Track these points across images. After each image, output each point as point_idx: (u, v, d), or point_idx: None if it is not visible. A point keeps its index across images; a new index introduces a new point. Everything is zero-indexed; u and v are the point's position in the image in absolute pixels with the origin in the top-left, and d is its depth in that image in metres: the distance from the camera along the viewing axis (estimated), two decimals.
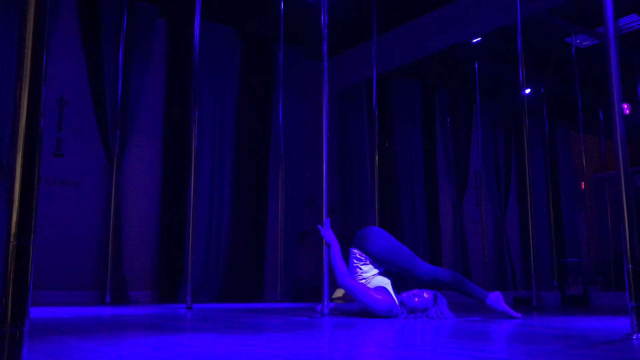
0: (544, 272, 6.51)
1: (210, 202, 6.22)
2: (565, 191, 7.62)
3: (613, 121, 1.87)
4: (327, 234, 3.05)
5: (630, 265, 1.75)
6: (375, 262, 2.99)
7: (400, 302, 2.87)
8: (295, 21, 6.36)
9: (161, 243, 5.89)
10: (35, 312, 3.22)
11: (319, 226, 3.11)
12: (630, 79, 6.29)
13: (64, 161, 5.47)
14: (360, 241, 3.02)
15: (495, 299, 2.85)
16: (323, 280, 3.12)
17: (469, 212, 7.38)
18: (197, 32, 4.18)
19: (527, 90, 5.06)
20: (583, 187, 7.44)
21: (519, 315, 2.86)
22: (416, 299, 2.84)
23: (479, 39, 6.20)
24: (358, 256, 3.01)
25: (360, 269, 2.99)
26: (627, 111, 6.25)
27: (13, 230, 0.94)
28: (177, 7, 6.14)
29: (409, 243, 6.99)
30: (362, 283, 2.93)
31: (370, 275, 2.98)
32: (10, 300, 0.92)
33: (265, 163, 6.77)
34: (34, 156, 0.98)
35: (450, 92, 7.64)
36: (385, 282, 2.93)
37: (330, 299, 4.05)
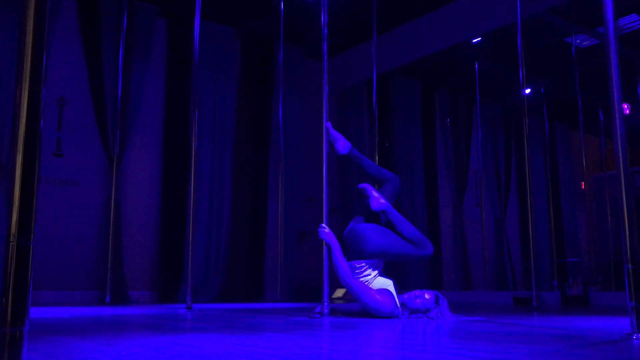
0: (544, 272, 6.51)
1: (210, 202, 6.22)
2: (565, 191, 7.61)
3: (613, 121, 1.87)
4: (327, 234, 3.04)
5: (630, 265, 1.75)
6: (374, 259, 2.98)
7: (402, 303, 2.87)
8: (295, 21, 6.35)
9: (161, 243, 5.89)
10: (35, 312, 3.22)
11: (319, 229, 3.09)
12: (630, 79, 6.29)
13: (64, 161, 5.47)
14: (357, 249, 2.98)
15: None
16: (323, 281, 3.11)
17: (469, 212, 7.38)
18: (197, 32, 4.18)
19: (527, 90, 5.05)
20: (583, 187, 7.43)
21: None
22: (417, 300, 2.83)
23: (479, 39, 6.20)
24: (357, 266, 2.98)
25: (361, 273, 2.98)
26: (627, 111, 6.25)
27: (13, 230, 0.94)
28: (177, 7, 6.14)
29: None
30: (364, 283, 2.92)
31: (372, 277, 2.97)
32: (10, 300, 0.92)
33: (265, 163, 6.77)
34: (34, 156, 0.98)
35: (450, 92, 7.64)
36: (388, 284, 2.92)
37: (330, 299, 4.05)
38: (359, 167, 3.23)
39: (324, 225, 3.08)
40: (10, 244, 0.94)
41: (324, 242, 3.04)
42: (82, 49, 5.64)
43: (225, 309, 3.97)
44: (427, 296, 2.84)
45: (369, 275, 2.97)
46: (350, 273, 2.93)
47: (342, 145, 3.24)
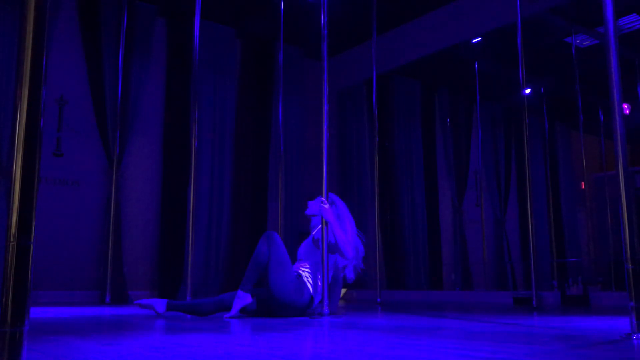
0: (544, 272, 6.51)
1: (210, 202, 6.22)
2: (565, 191, 7.61)
3: (613, 121, 1.87)
4: (327, 210, 3.01)
5: (630, 265, 1.75)
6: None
7: (313, 239, 3.02)
8: (295, 21, 6.35)
9: (161, 243, 5.89)
10: (35, 312, 3.22)
11: (320, 204, 3.08)
12: (630, 79, 6.29)
13: (64, 161, 5.47)
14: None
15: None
16: (323, 280, 3.11)
17: (469, 212, 7.37)
18: (197, 32, 4.18)
19: (527, 90, 5.05)
20: (583, 187, 7.43)
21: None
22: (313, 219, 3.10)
23: (479, 39, 6.20)
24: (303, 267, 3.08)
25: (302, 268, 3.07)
26: (627, 111, 6.24)
27: (13, 230, 0.94)
28: (177, 7, 6.14)
29: (409, 243, 6.99)
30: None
31: (310, 273, 3.11)
32: (10, 300, 0.92)
33: (265, 163, 6.77)
34: (34, 156, 0.98)
35: (450, 92, 7.64)
36: (307, 276, 3.10)
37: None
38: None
39: (323, 198, 3.06)
40: (10, 244, 0.94)
41: (322, 220, 3.02)
42: (82, 49, 5.65)
43: None
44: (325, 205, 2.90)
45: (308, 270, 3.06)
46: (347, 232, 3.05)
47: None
